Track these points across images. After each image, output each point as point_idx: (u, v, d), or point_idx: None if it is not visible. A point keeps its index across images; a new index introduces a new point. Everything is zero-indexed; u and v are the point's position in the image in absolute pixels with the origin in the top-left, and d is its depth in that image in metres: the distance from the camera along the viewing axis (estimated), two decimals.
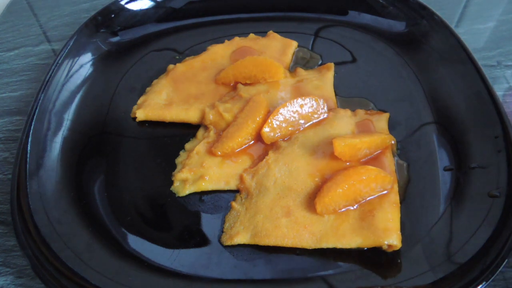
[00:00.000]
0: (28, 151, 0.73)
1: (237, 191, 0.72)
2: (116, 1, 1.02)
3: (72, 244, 0.64)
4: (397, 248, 0.62)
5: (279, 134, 0.76)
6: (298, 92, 0.83)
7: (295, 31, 1.00)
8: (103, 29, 0.99)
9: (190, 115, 0.82)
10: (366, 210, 0.65)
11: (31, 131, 0.76)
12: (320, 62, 0.93)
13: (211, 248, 0.65)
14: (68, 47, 0.91)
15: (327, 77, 0.87)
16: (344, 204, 0.65)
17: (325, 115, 0.78)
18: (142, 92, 0.89)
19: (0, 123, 0.88)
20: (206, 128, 0.80)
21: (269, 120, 0.75)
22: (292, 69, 0.91)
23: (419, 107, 0.82)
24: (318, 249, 0.63)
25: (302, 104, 0.77)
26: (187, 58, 0.94)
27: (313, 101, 0.77)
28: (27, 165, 0.71)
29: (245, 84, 0.85)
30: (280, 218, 0.66)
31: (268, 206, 0.67)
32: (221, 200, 0.71)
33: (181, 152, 0.78)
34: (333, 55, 0.94)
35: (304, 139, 0.75)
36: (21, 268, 0.66)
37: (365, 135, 0.73)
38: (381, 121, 0.79)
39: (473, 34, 1.02)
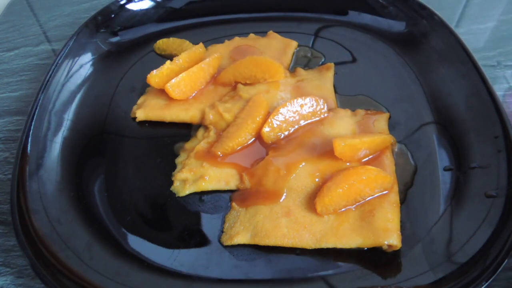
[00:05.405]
0: (28, 151, 0.73)
1: (237, 191, 0.72)
2: (116, 1, 1.02)
3: (72, 244, 0.64)
4: (397, 248, 0.62)
5: (279, 134, 0.76)
6: (298, 92, 0.83)
7: (295, 31, 1.00)
8: (103, 29, 0.99)
9: (190, 115, 0.82)
10: (366, 210, 0.65)
11: (31, 131, 0.76)
12: (322, 61, 0.93)
13: (211, 248, 0.65)
14: (68, 47, 0.91)
15: (327, 77, 0.87)
16: (344, 204, 0.65)
17: (325, 115, 0.78)
18: (142, 92, 0.89)
19: (0, 123, 0.88)
20: (206, 128, 0.80)
21: (269, 120, 0.75)
22: (292, 69, 0.91)
23: (419, 107, 0.82)
24: (318, 249, 0.63)
25: (302, 104, 0.77)
26: None
27: (313, 101, 0.77)
28: (27, 165, 0.71)
29: (245, 84, 0.85)
30: (280, 218, 0.66)
31: (268, 206, 0.67)
32: (221, 200, 0.71)
33: (181, 152, 0.78)
34: (333, 55, 0.94)
35: (304, 139, 0.75)
36: (21, 268, 0.66)
37: (365, 135, 0.73)
38: (381, 121, 0.79)
39: (473, 34, 1.02)
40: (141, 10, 1.03)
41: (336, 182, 0.65)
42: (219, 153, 0.74)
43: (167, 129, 0.83)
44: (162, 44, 0.98)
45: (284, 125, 0.76)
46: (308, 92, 0.83)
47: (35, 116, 0.78)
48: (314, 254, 0.63)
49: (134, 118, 0.84)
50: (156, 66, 0.85)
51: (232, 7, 1.05)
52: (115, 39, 1.00)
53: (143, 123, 0.84)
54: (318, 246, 0.63)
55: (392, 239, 0.61)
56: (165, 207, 0.71)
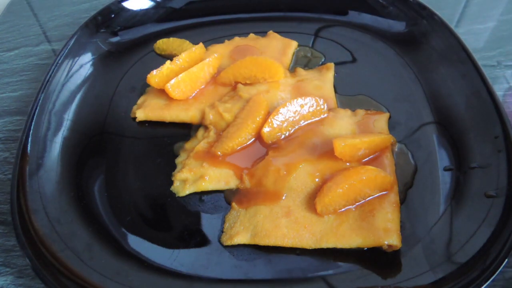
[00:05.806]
0: (28, 151, 0.73)
1: (236, 191, 0.72)
2: (116, 1, 1.02)
3: (72, 244, 0.64)
4: (397, 248, 0.62)
5: (279, 134, 0.76)
6: (298, 92, 0.83)
7: (295, 31, 1.00)
8: (103, 29, 0.99)
9: (190, 115, 0.82)
10: (366, 210, 0.65)
11: (31, 131, 0.76)
12: (322, 61, 0.93)
13: (211, 248, 0.65)
14: (68, 47, 0.91)
15: (327, 77, 0.87)
16: (344, 204, 0.65)
17: (325, 115, 0.78)
18: (142, 92, 0.89)
19: (0, 123, 0.88)
20: (206, 128, 0.80)
21: (269, 120, 0.75)
22: (292, 69, 0.91)
23: (419, 107, 0.82)
24: (318, 249, 0.63)
25: (302, 104, 0.77)
26: None
27: (313, 101, 0.77)
28: (27, 165, 0.71)
29: (245, 84, 0.85)
30: (280, 218, 0.66)
31: (268, 206, 0.67)
32: (221, 200, 0.71)
33: (181, 152, 0.78)
34: (333, 55, 0.94)
35: (304, 139, 0.75)
36: (21, 268, 0.66)
37: (365, 135, 0.73)
38: (381, 121, 0.79)
39: (473, 34, 1.02)
40: (141, 10, 1.03)
41: (336, 182, 0.65)
42: (219, 153, 0.74)
43: (167, 129, 0.83)
44: (162, 44, 0.98)
45: (284, 125, 0.76)
46: (308, 92, 0.83)
47: (35, 116, 0.78)
48: (314, 254, 0.63)
49: (134, 118, 0.84)
50: (156, 66, 0.85)
51: (232, 7, 1.05)
52: (115, 39, 1.00)
53: (143, 123, 0.84)
54: (318, 246, 0.63)
55: (392, 239, 0.61)
56: (165, 207, 0.71)
